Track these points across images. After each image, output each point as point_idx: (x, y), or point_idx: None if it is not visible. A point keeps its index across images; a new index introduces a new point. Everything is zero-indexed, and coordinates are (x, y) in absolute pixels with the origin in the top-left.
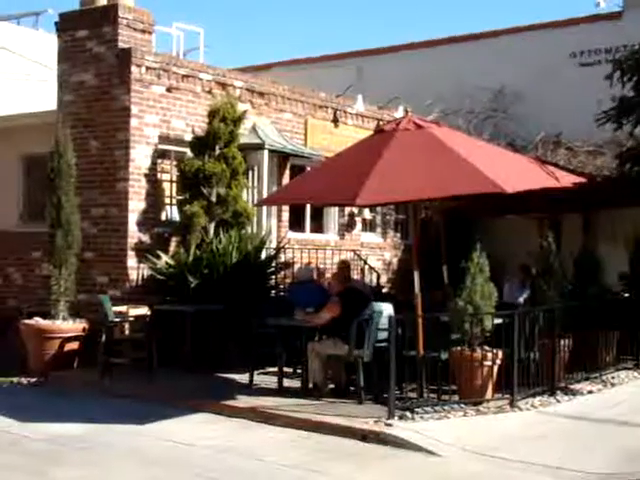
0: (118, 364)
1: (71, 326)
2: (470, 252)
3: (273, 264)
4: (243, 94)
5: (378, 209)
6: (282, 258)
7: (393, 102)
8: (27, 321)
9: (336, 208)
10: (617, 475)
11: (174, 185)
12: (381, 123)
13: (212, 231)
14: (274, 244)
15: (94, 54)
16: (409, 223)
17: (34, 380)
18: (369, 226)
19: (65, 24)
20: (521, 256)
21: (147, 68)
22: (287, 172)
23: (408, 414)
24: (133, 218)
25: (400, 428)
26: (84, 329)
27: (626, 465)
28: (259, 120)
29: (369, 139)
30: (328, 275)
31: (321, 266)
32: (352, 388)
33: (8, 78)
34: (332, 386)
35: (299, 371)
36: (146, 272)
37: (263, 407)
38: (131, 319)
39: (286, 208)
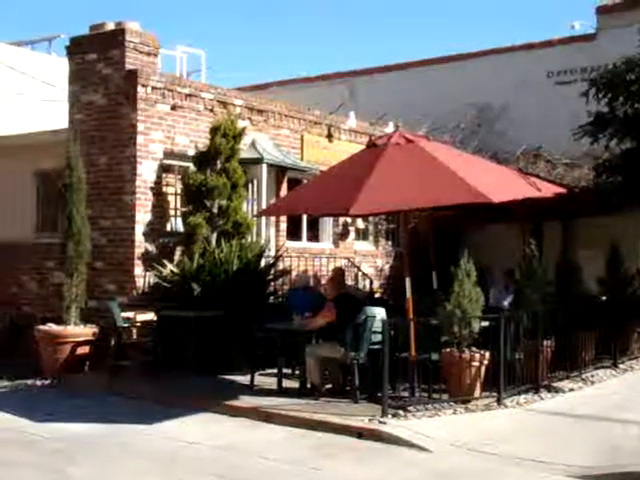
0: (127, 367)
1: (82, 331)
2: (457, 259)
3: (272, 271)
4: (243, 112)
5: (370, 219)
6: (280, 266)
7: (384, 118)
8: (41, 327)
9: (331, 218)
10: (598, 468)
11: (178, 198)
12: (373, 138)
13: (214, 241)
14: (273, 252)
15: (103, 75)
16: (400, 232)
17: (48, 382)
18: (362, 235)
19: (76, 48)
20: (505, 262)
21: (153, 88)
22: (284, 185)
23: (401, 412)
24: (140, 229)
25: (393, 426)
26: (94, 334)
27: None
28: (258, 136)
29: (362, 153)
30: (324, 282)
31: (317, 273)
32: (348, 388)
33: (24, 99)
34: (329, 386)
35: (297, 372)
36: (152, 280)
37: (264, 407)
38: (138, 324)
39: (284, 218)
